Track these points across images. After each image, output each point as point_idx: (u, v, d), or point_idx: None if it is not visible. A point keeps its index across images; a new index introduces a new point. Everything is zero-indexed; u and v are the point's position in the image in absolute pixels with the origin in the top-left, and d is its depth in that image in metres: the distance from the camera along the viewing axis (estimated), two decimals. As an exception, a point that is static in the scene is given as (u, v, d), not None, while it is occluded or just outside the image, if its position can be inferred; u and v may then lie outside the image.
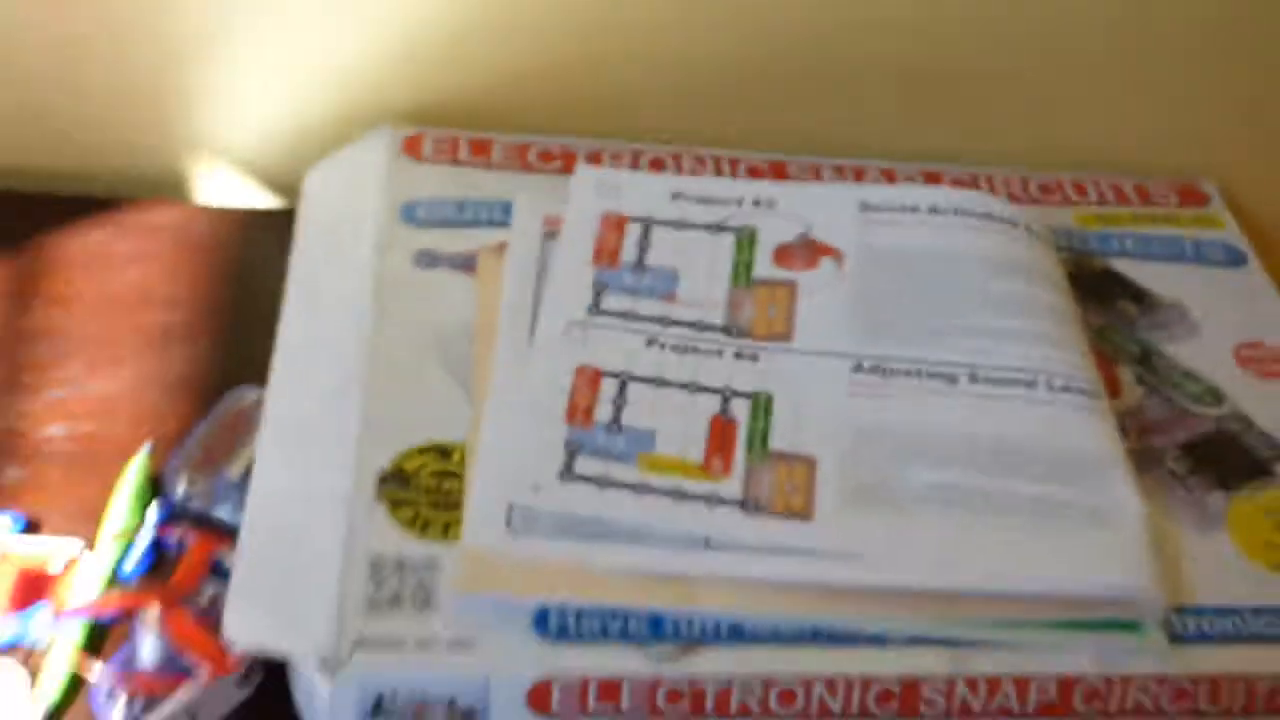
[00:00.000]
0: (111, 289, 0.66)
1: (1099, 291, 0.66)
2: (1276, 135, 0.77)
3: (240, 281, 0.68)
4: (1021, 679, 0.50)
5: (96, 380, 0.62)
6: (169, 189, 0.74)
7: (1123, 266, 0.69)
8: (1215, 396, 0.61)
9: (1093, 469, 0.54)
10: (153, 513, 0.56)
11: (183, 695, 0.50)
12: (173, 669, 0.51)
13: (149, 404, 0.62)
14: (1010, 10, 0.70)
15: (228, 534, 0.54)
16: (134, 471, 0.57)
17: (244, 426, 0.59)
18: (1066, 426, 0.55)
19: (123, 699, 0.50)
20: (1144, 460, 0.57)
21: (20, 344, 0.63)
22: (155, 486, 0.58)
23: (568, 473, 0.52)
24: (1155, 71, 0.74)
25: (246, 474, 0.56)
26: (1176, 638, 0.51)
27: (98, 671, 0.51)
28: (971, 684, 0.50)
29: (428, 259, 0.62)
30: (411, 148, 0.68)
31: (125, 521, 0.56)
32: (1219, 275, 0.69)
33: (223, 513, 0.56)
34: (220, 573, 0.54)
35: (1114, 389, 0.60)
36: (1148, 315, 0.65)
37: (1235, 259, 0.71)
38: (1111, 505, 0.53)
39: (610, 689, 0.48)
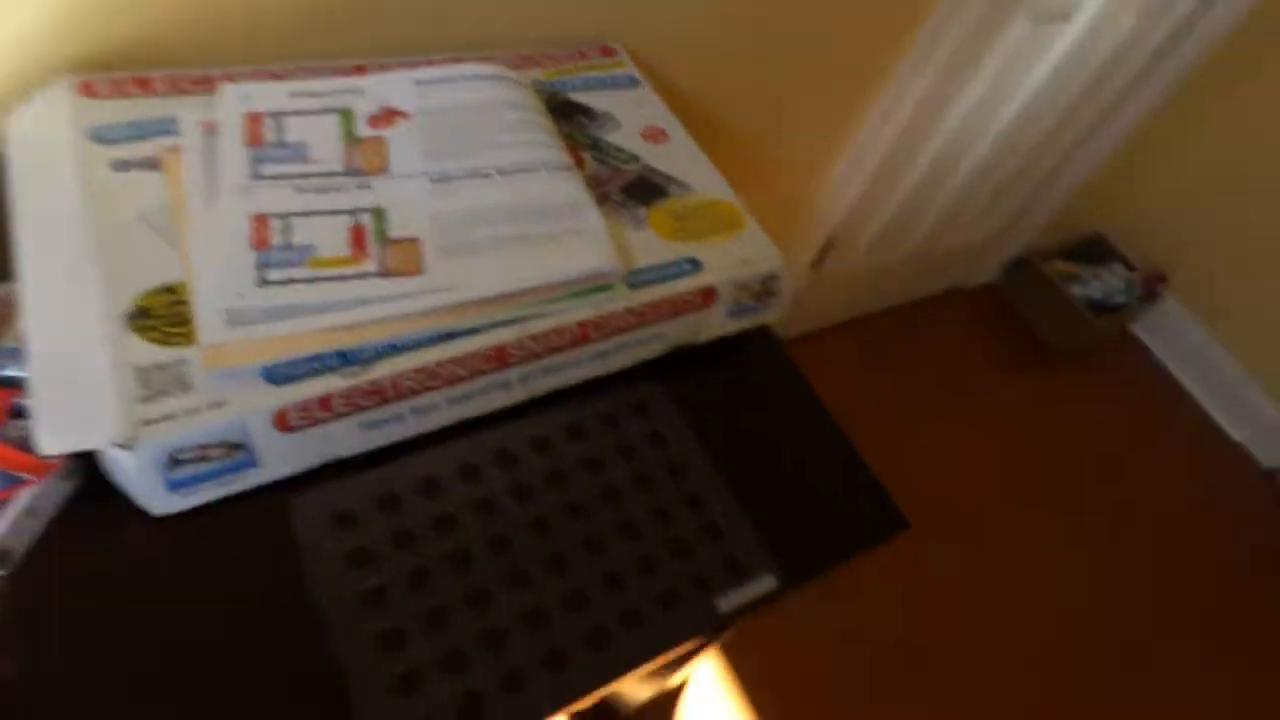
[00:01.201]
0: None
1: (565, 112, 0.65)
2: (645, 13, 0.76)
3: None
4: (558, 329, 0.51)
5: None
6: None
7: (576, 96, 0.67)
8: (635, 159, 0.62)
9: (575, 209, 0.54)
10: (-45, 385, 0.44)
11: (18, 499, 0.41)
12: (7, 484, 0.41)
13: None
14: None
15: (18, 385, 0.43)
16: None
17: (7, 310, 0.46)
18: (558, 189, 0.55)
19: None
20: (602, 200, 0.58)
21: None
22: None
23: (263, 281, 0.46)
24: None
25: (17, 343, 0.44)
26: (633, 285, 0.53)
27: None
28: (533, 339, 0.50)
29: (121, 165, 0.50)
30: (87, 89, 0.53)
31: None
32: (626, 93, 0.69)
33: (11, 371, 0.44)
34: (21, 413, 0.43)
35: (581, 165, 0.60)
36: (593, 121, 0.65)
37: (634, 83, 0.70)
38: (587, 226, 0.54)
39: (325, 401, 0.44)
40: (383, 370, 0.46)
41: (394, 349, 0.47)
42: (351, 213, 0.50)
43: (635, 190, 0.60)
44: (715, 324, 0.58)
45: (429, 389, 0.48)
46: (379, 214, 0.51)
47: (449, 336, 0.48)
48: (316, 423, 0.45)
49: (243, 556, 0.44)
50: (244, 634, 0.42)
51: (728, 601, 0.50)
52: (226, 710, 0.39)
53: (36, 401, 0.41)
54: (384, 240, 0.50)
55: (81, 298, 0.44)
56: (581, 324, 0.51)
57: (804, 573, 0.52)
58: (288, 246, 0.48)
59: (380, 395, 0.46)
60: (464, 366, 0.48)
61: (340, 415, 0.46)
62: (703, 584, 0.50)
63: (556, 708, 0.43)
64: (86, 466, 0.43)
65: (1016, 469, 1.67)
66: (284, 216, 0.49)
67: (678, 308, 0.55)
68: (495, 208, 0.53)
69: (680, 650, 0.48)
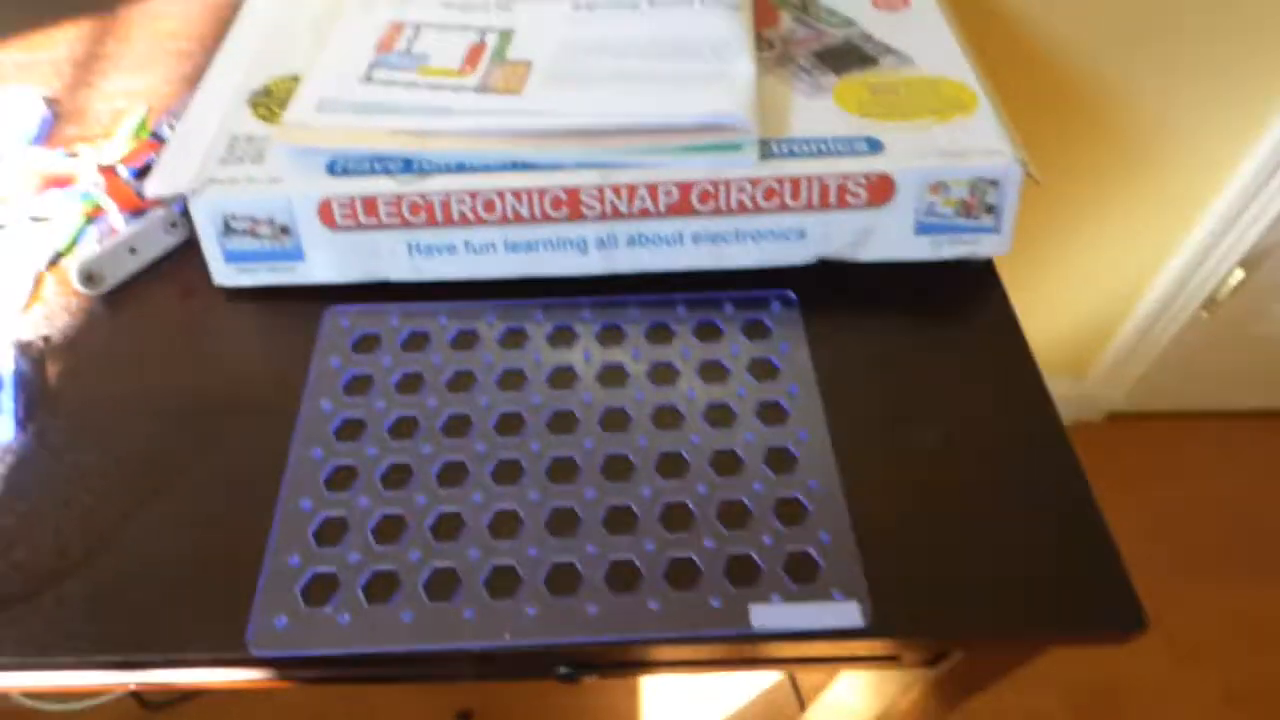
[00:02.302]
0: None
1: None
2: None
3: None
4: (651, 185, 0.42)
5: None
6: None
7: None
8: (848, 23, 0.50)
9: (722, 49, 0.45)
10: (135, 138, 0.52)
11: (125, 231, 0.46)
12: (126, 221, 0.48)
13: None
14: None
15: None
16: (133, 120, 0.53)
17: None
18: (709, 25, 0.46)
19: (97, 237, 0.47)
20: (782, 60, 0.47)
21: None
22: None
23: (367, 79, 0.46)
24: None
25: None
26: (769, 155, 0.42)
27: (89, 229, 0.48)
28: (616, 191, 0.42)
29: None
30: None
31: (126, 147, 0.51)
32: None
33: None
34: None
35: (773, 21, 0.50)
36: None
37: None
38: (731, 71, 0.44)
39: (370, 204, 0.42)
40: (436, 184, 0.42)
41: (459, 167, 0.43)
42: (481, 30, 0.48)
43: (830, 56, 0.47)
44: (890, 237, 0.43)
45: (483, 221, 0.43)
46: (506, 35, 0.48)
47: (519, 167, 0.42)
48: (361, 226, 0.43)
49: (268, 344, 0.44)
50: (233, 406, 0.41)
51: (770, 614, 0.35)
52: (182, 471, 0.39)
53: (161, 156, 0.47)
54: (500, 60, 0.46)
55: (232, 81, 0.50)
56: (684, 185, 0.42)
57: (915, 628, 0.34)
58: (406, 53, 0.47)
59: (429, 213, 0.43)
60: (526, 204, 0.42)
61: (386, 226, 0.43)
62: (743, 574, 0.36)
63: (441, 640, 0.34)
64: (191, 230, 0.48)
65: None
66: (416, 26, 0.49)
67: (830, 195, 0.41)
68: (628, 40, 0.46)
69: (665, 656, 0.35)
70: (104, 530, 0.37)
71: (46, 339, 0.44)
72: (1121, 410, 1.25)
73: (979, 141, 0.41)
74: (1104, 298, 1.07)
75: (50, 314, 0.46)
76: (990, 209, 0.42)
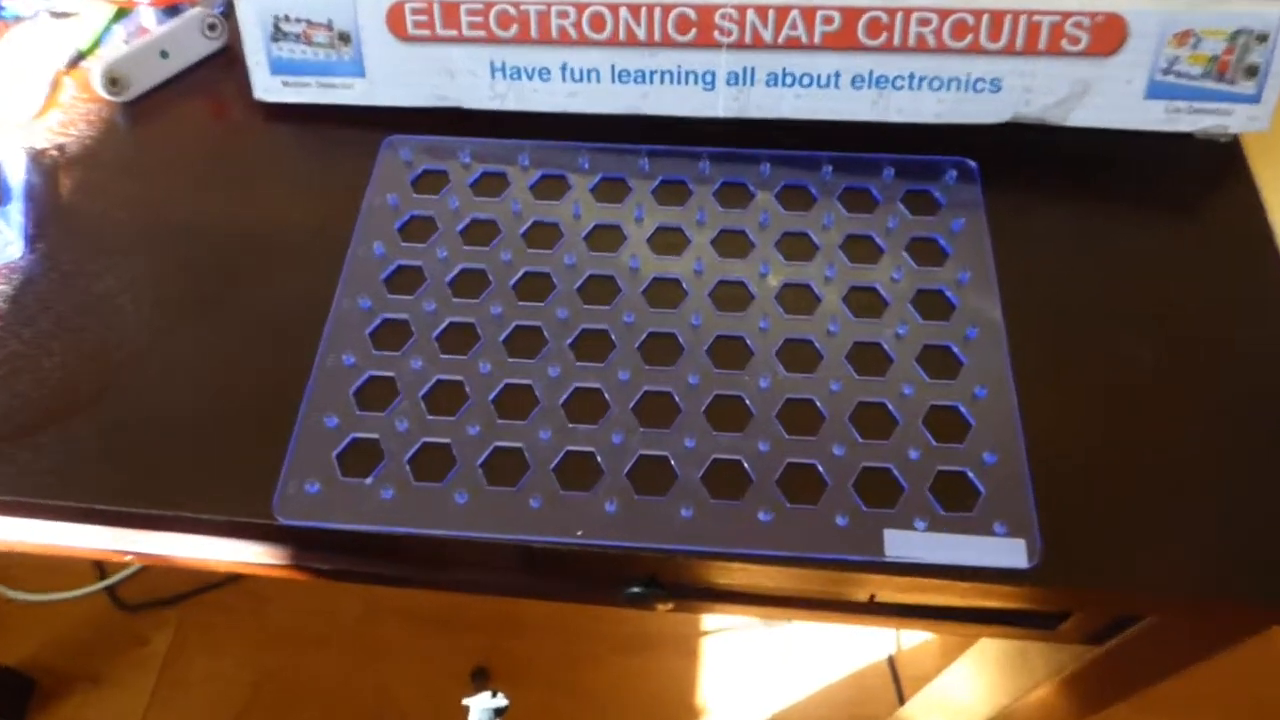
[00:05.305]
0: None
1: None
2: None
3: None
4: (807, 9, 0.40)
5: None
6: None
7: None
8: None
9: None
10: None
11: (156, 31, 0.47)
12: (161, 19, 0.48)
13: None
14: None
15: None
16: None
17: None
18: None
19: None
20: None
21: None
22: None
23: None
24: None
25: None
26: (964, -23, 0.39)
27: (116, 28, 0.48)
28: (761, 12, 0.40)
29: None
30: None
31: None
32: None
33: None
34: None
35: None
36: None
37: None
38: None
39: (450, 10, 0.41)
40: (532, -11, 0.41)
41: (564, -27, 0.41)
42: None
43: None
44: (1113, 97, 0.40)
45: (588, 40, 0.41)
46: None
47: (639, -27, 0.41)
48: (436, 38, 0.42)
49: (313, 173, 0.44)
50: (269, 240, 0.41)
51: (910, 542, 0.33)
52: (209, 309, 0.40)
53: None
54: None
55: None
56: (849, 11, 0.39)
57: (1096, 578, 0.32)
58: None
59: (522, 25, 0.41)
60: (644, 24, 0.40)
61: (467, 40, 0.42)
62: (878, 491, 0.34)
63: (494, 531, 0.34)
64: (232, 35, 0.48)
65: None
66: None
67: (1040, 37, 0.38)
68: None
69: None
70: (118, 367, 0.38)
71: (62, 149, 0.45)
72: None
73: (1249, -19, 0.38)
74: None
75: (68, 121, 0.46)
76: (1252, 71, 0.38)
